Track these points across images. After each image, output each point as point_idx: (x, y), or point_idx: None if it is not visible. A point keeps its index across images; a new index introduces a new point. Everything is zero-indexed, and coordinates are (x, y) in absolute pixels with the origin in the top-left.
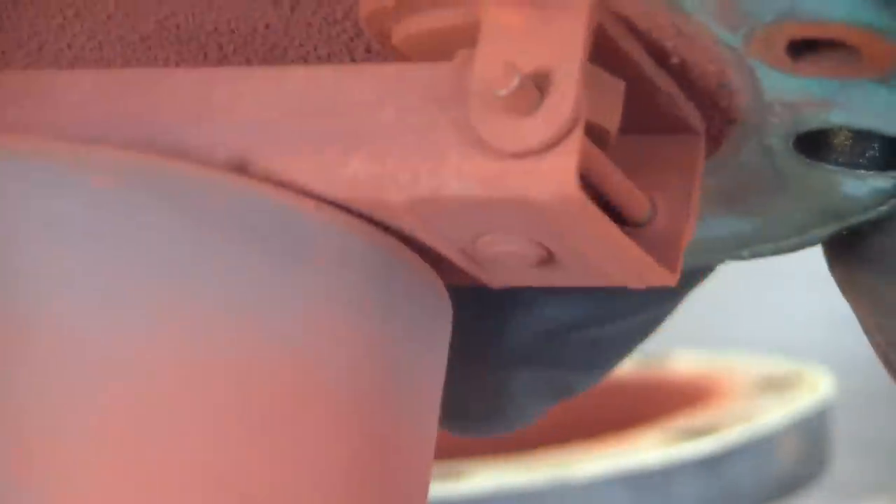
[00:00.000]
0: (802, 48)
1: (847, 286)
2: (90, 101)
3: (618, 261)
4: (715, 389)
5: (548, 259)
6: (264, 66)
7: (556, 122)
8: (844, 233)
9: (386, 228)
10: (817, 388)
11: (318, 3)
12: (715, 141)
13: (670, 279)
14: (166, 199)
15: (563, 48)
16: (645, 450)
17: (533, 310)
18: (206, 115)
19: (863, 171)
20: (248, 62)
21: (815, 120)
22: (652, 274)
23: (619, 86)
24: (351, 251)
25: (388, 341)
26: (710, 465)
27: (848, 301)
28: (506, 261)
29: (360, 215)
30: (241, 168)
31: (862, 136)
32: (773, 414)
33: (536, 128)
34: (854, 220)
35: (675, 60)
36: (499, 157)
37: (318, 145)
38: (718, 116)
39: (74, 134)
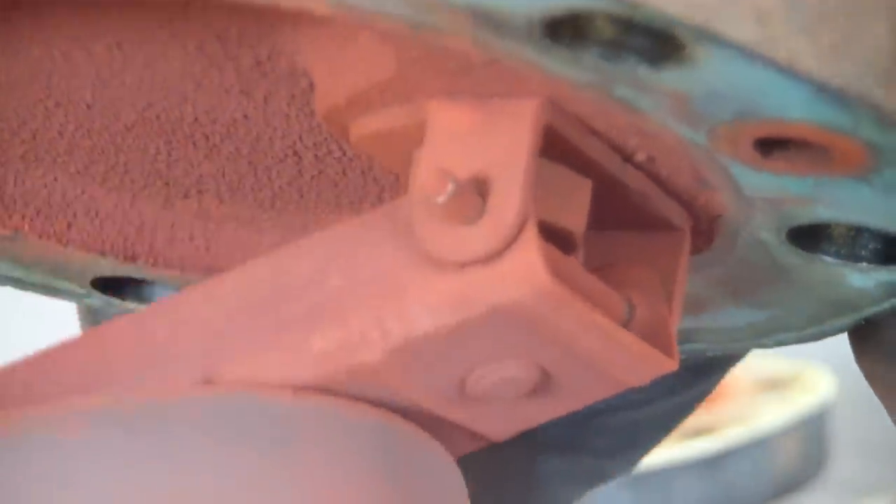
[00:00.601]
0: (773, 145)
1: (872, 379)
2: (31, 387)
3: (613, 354)
4: (715, 390)
5: (544, 382)
6: (192, 287)
7: (502, 228)
8: (863, 323)
9: (372, 400)
10: (817, 388)
11: (290, 95)
12: (706, 236)
13: (670, 365)
14: (132, 431)
15: (508, 151)
16: None
17: None
18: (157, 354)
19: (864, 265)
20: (238, 152)
21: (803, 215)
22: (652, 362)
23: (586, 185)
24: (338, 429)
25: None
26: (710, 464)
27: (875, 393)
28: (501, 393)
29: (343, 393)
30: (208, 382)
31: (861, 230)
32: (773, 414)
33: (481, 235)
34: (869, 312)
35: (641, 157)
36: (455, 273)
37: (276, 336)
38: (703, 212)
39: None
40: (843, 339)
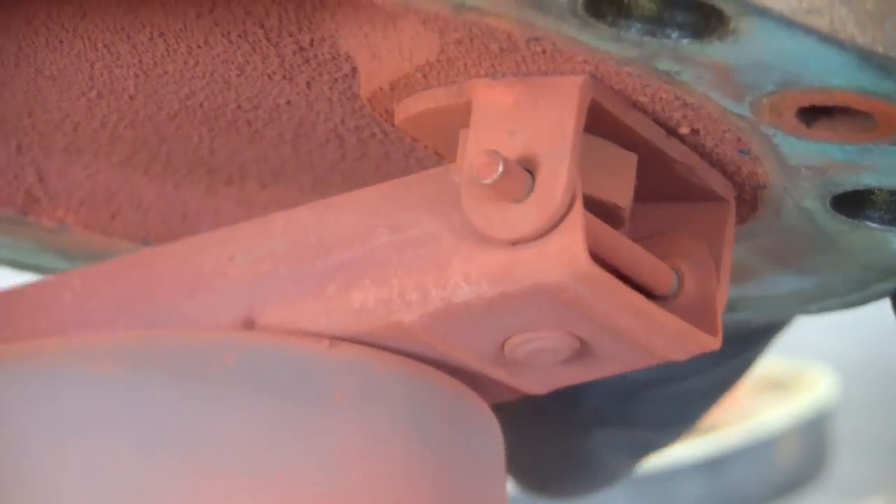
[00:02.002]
0: (817, 113)
1: None
2: (83, 297)
3: (652, 333)
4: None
5: (582, 351)
6: (245, 223)
7: (550, 207)
8: None
9: (409, 354)
10: (817, 388)
11: (332, 80)
12: (751, 205)
13: (712, 343)
14: (167, 370)
15: (553, 129)
16: None
17: None
18: (201, 284)
19: None
20: (281, 137)
21: (847, 181)
22: (692, 341)
23: (631, 160)
24: (372, 382)
25: (432, 466)
26: (710, 464)
27: None
28: (539, 360)
29: (380, 346)
30: (248, 325)
31: None
32: (773, 414)
33: (530, 214)
34: None
35: (685, 130)
36: (500, 249)
37: (318, 285)
38: (747, 182)
39: (73, 332)
40: (843, 339)
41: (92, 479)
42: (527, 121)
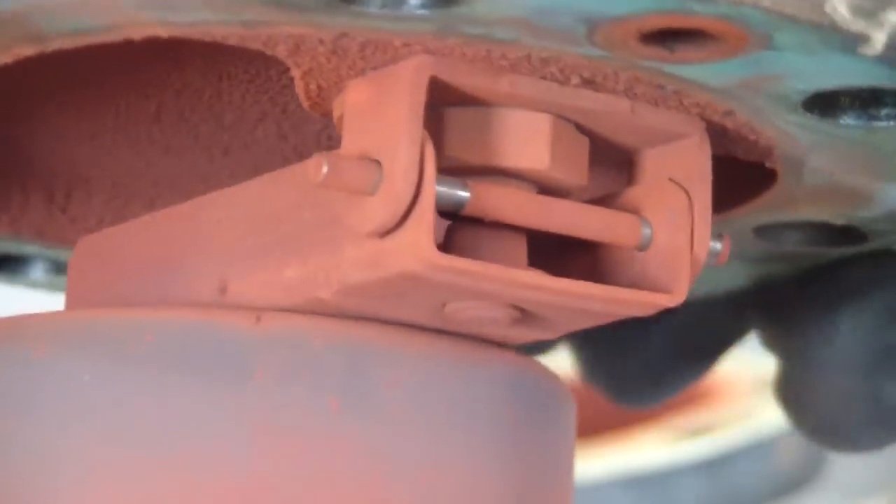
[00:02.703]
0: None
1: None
2: (82, 273)
3: (579, 302)
4: (715, 389)
5: (524, 317)
6: (219, 191)
7: (392, 199)
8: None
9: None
10: None
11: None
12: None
13: (669, 301)
14: (91, 352)
15: (391, 120)
16: (645, 450)
17: None
18: (195, 243)
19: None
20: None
21: (786, 90)
22: (636, 303)
23: (541, 120)
24: (301, 357)
25: (371, 441)
26: (710, 464)
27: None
28: (484, 325)
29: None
30: (223, 291)
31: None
32: (773, 414)
33: (378, 207)
34: None
35: (575, 81)
36: (372, 238)
37: (266, 258)
38: (752, 149)
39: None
40: None
41: (10, 454)
42: (375, 115)
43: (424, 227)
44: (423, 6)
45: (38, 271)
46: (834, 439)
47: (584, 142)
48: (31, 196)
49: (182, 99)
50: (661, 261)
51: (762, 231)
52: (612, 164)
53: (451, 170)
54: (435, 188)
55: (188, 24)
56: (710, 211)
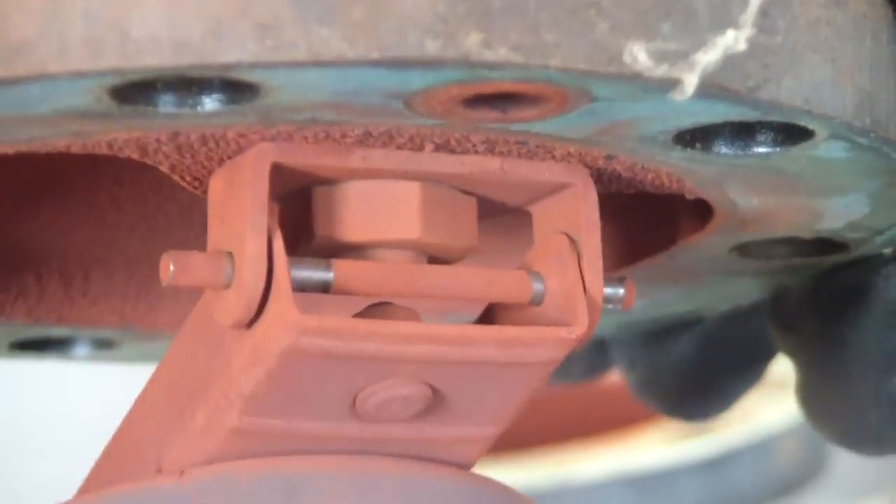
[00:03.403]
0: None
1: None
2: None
3: (481, 351)
4: None
5: (436, 399)
6: (150, 377)
7: (244, 289)
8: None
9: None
10: None
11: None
12: (699, 207)
13: (569, 332)
14: None
15: (239, 208)
16: (645, 450)
17: None
18: (137, 439)
19: (761, 149)
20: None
21: (648, 131)
22: (547, 336)
23: (411, 189)
24: (233, 495)
25: None
26: (710, 464)
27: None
28: (398, 409)
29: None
30: (159, 471)
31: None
32: (773, 414)
33: (233, 299)
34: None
35: (430, 147)
36: (247, 334)
37: (182, 419)
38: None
39: None
40: None
41: None
42: (228, 205)
43: (284, 303)
44: (221, 102)
45: (81, 349)
46: (858, 443)
47: (470, 203)
48: (47, 285)
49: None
50: (557, 306)
51: (743, 249)
52: (516, 219)
53: (327, 248)
54: (288, 275)
55: (25, 140)
56: (600, 256)
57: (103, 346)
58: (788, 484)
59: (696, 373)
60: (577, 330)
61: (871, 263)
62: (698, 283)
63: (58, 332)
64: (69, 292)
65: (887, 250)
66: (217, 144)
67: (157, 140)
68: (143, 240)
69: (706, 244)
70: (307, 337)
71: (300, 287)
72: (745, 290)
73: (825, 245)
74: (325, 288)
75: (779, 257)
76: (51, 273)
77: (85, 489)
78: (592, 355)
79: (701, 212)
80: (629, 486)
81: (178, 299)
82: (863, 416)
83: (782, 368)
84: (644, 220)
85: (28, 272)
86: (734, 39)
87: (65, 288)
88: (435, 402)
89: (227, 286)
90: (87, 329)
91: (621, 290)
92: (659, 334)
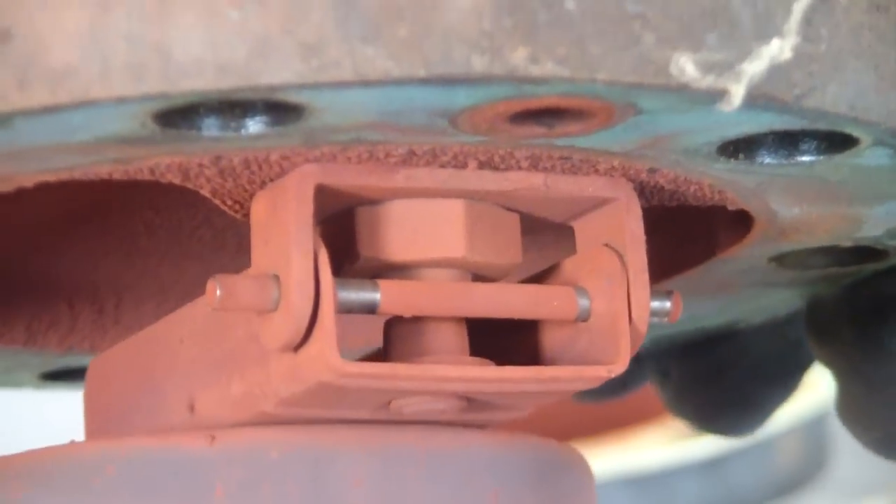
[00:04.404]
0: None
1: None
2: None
3: (522, 387)
4: None
5: (472, 405)
6: (188, 305)
7: (291, 315)
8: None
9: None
10: (817, 388)
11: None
12: (740, 218)
13: (608, 372)
14: (57, 488)
15: (284, 231)
16: (645, 450)
17: None
18: (165, 364)
19: (807, 158)
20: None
21: (693, 143)
22: (586, 375)
23: (455, 206)
24: (260, 469)
25: None
26: (710, 464)
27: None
28: (432, 416)
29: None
30: (191, 409)
31: (752, 139)
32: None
33: (280, 324)
34: None
35: (473, 165)
36: (287, 353)
37: (219, 374)
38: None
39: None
40: None
41: None
42: (272, 228)
43: (327, 338)
44: (265, 124)
45: None
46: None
47: (513, 219)
48: (79, 313)
49: (198, 208)
50: (602, 329)
51: (781, 259)
52: (554, 235)
53: (371, 269)
54: (334, 298)
55: (66, 168)
56: (646, 271)
57: None
58: (788, 484)
59: (732, 386)
60: (618, 368)
61: None
62: (734, 295)
63: (87, 361)
64: (101, 321)
65: None
66: (260, 167)
67: (200, 164)
68: (175, 265)
69: (745, 255)
70: (345, 379)
71: (347, 309)
72: (781, 300)
73: (864, 253)
74: (371, 309)
75: (816, 267)
76: (83, 302)
77: (114, 400)
78: (628, 370)
79: (740, 223)
80: (629, 486)
81: None
82: None
83: None
84: (682, 233)
85: (60, 301)
86: (779, 48)
87: (97, 316)
88: (470, 406)
89: (274, 309)
90: None
91: (668, 304)
92: (693, 347)
